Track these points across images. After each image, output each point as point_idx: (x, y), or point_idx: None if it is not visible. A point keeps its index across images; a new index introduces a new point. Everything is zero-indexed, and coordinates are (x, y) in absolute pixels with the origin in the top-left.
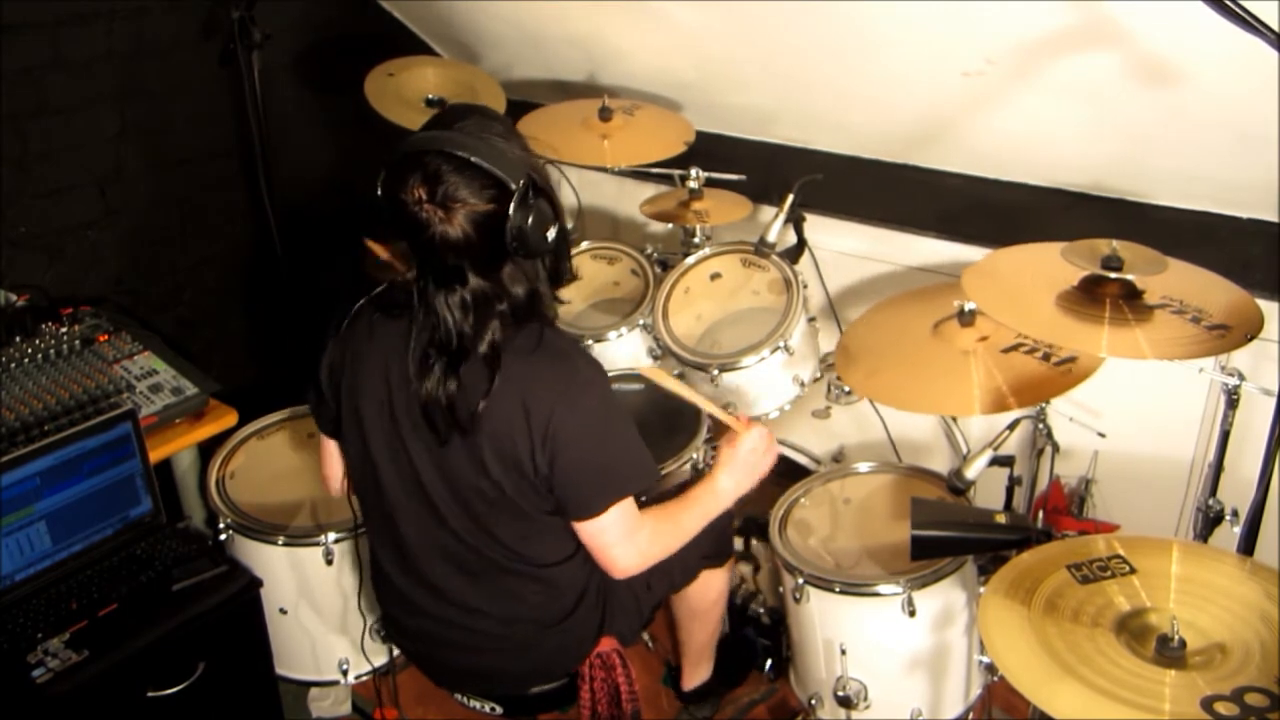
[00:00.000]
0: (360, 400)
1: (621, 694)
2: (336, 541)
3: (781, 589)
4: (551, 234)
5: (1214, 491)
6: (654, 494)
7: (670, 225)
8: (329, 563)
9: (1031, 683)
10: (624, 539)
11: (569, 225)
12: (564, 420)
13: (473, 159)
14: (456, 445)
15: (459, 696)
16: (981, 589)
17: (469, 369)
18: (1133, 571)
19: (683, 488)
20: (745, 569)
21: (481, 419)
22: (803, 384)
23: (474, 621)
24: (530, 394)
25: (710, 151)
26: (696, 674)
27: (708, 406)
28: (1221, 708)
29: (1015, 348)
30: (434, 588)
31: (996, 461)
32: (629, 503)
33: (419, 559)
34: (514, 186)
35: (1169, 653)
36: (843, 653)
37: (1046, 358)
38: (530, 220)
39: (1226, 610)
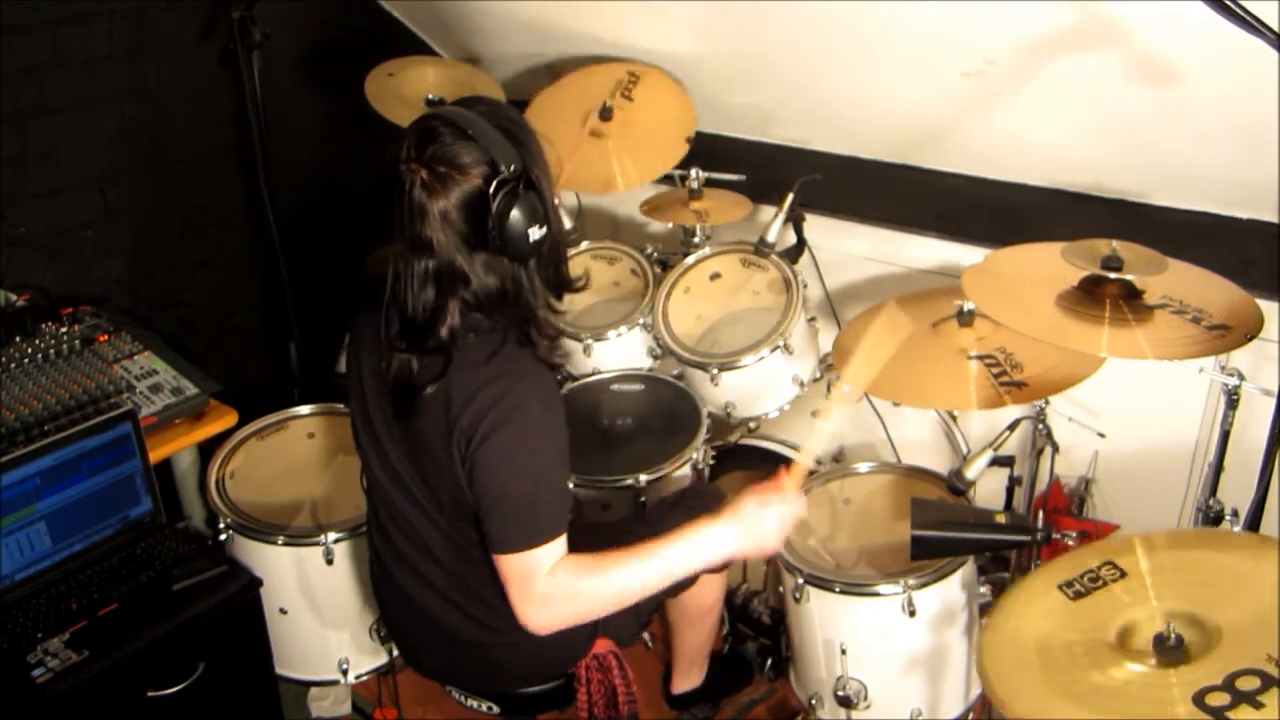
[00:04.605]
0: (354, 399)
1: (619, 696)
2: (336, 541)
3: (781, 589)
4: (535, 234)
5: (1214, 491)
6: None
7: (670, 225)
8: (329, 563)
9: None
10: (521, 595)
11: (568, 225)
12: (487, 445)
13: (470, 131)
14: (426, 443)
15: (457, 696)
16: (982, 589)
17: (431, 357)
18: (1123, 575)
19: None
20: None
21: (426, 414)
22: (802, 384)
23: (460, 618)
24: (462, 410)
25: (710, 151)
26: (687, 679)
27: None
28: (1213, 699)
29: (982, 358)
30: (423, 582)
31: (996, 461)
32: (532, 557)
33: (408, 553)
34: (504, 170)
35: (1169, 652)
36: (843, 653)
37: (999, 375)
38: (514, 210)
39: (1208, 589)
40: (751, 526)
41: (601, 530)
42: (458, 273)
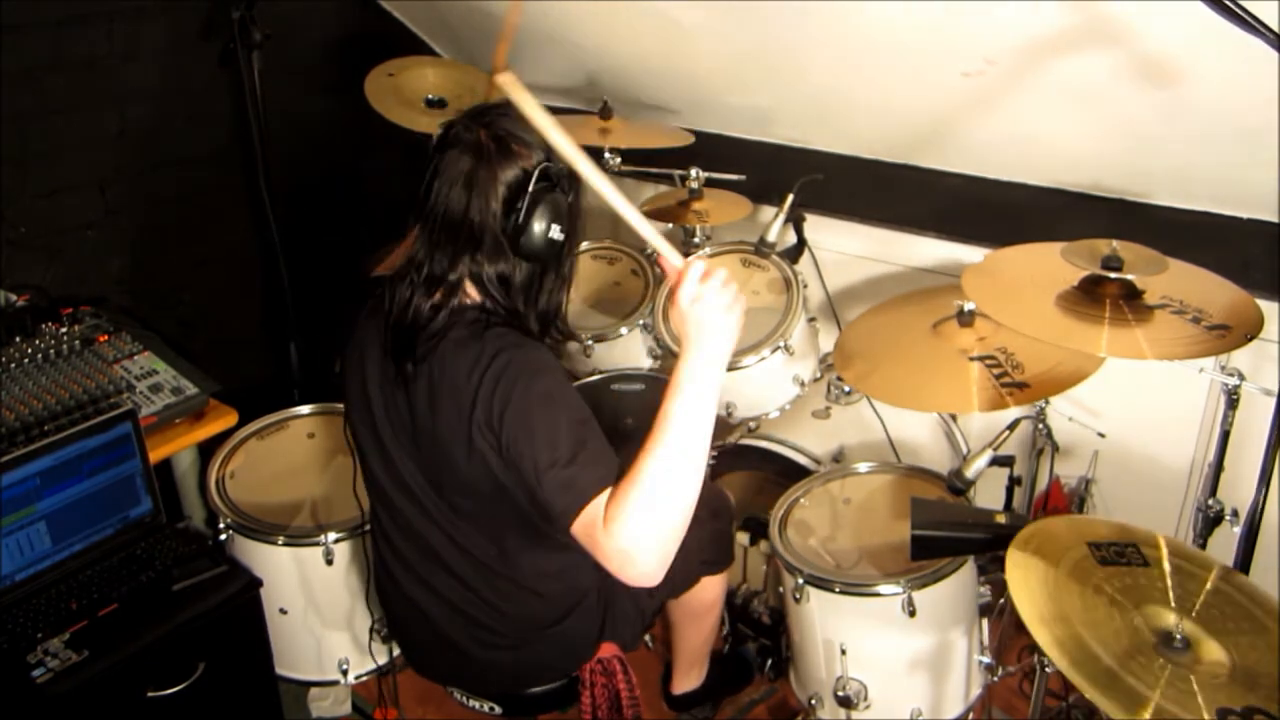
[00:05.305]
0: (354, 396)
1: (622, 700)
2: (336, 541)
3: (781, 589)
4: (554, 233)
5: (1214, 491)
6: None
7: (670, 225)
8: (329, 563)
9: (1034, 619)
10: (604, 561)
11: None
12: (506, 416)
13: (536, 121)
14: (443, 446)
15: (458, 696)
16: (982, 589)
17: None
18: (1145, 564)
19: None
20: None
21: (440, 416)
22: (803, 384)
23: (465, 623)
24: (473, 402)
25: (710, 151)
26: (688, 679)
27: (634, 219)
28: None
29: (982, 359)
30: (428, 588)
31: (996, 461)
32: (586, 517)
33: (411, 555)
34: (551, 163)
35: (1170, 651)
36: (843, 653)
37: (1000, 376)
38: (545, 199)
39: (1242, 635)
40: (701, 321)
41: None
42: (475, 236)
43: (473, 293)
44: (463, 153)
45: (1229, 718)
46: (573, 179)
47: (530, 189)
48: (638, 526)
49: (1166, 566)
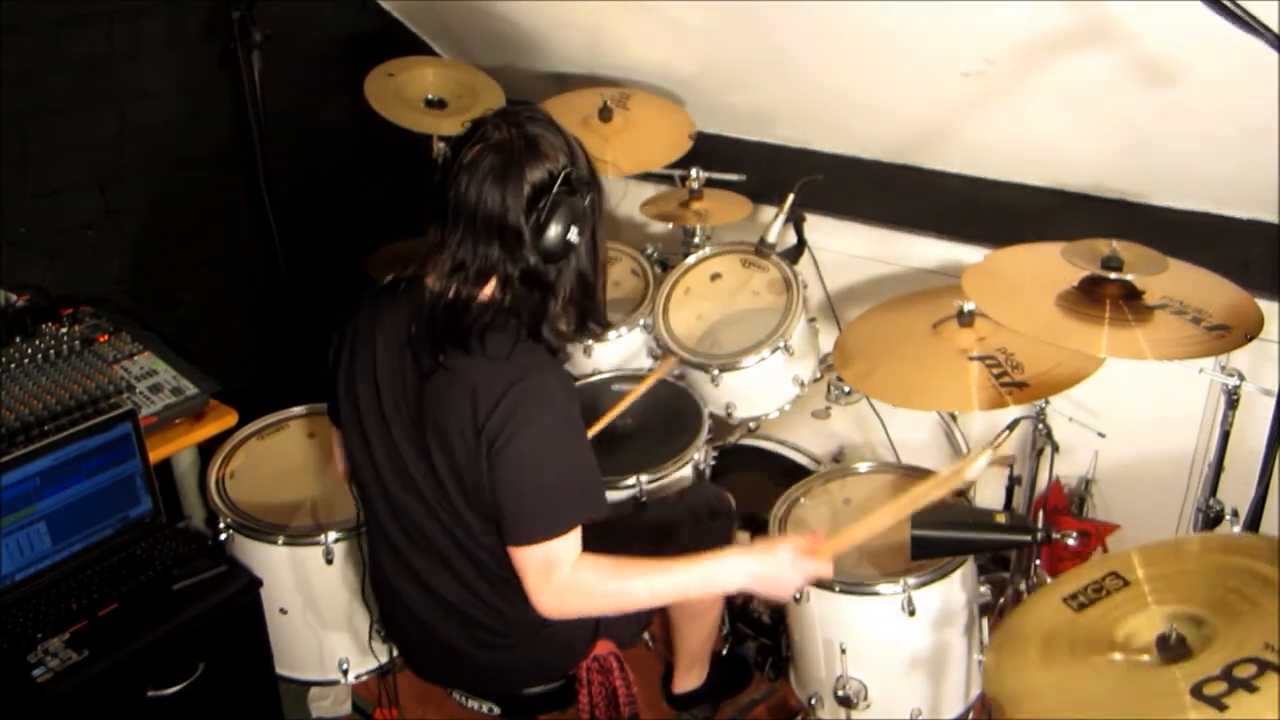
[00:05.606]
0: (356, 388)
1: (619, 697)
2: (336, 541)
3: None
4: (572, 235)
5: (1214, 491)
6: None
7: (670, 225)
8: (329, 562)
9: None
10: (540, 585)
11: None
12: (513, 443)
13: (560, 127)
14: (448, 442)
15: (457, 696)
16: (982, 589)
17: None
18: (1126, 584)
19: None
20: None
21: (449, 412)
22: (803, 384)
23: (462, 622)
24: (491, 410)
25: (710, 151)
26: (689, 679)
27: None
28: (1211, 688)
29: (982, 359)
30: (425, 587)
31: (996, 461)
32: (552, 548)
33: (409, 552)
34: (574, 166)
35: (1172, 651)
36: (843, 652)
37: (1000, 376)
38: (566, 202)
39: (1201, 588)
40: (777, 574)
41: (604, 528)
42: (514, 234)
43: (514, 291)
44: (492, 150)
45: (1206, 685)
46: (594, 184)
47: (552, 193)
48: (588, 608)
49: (1142, 574)
